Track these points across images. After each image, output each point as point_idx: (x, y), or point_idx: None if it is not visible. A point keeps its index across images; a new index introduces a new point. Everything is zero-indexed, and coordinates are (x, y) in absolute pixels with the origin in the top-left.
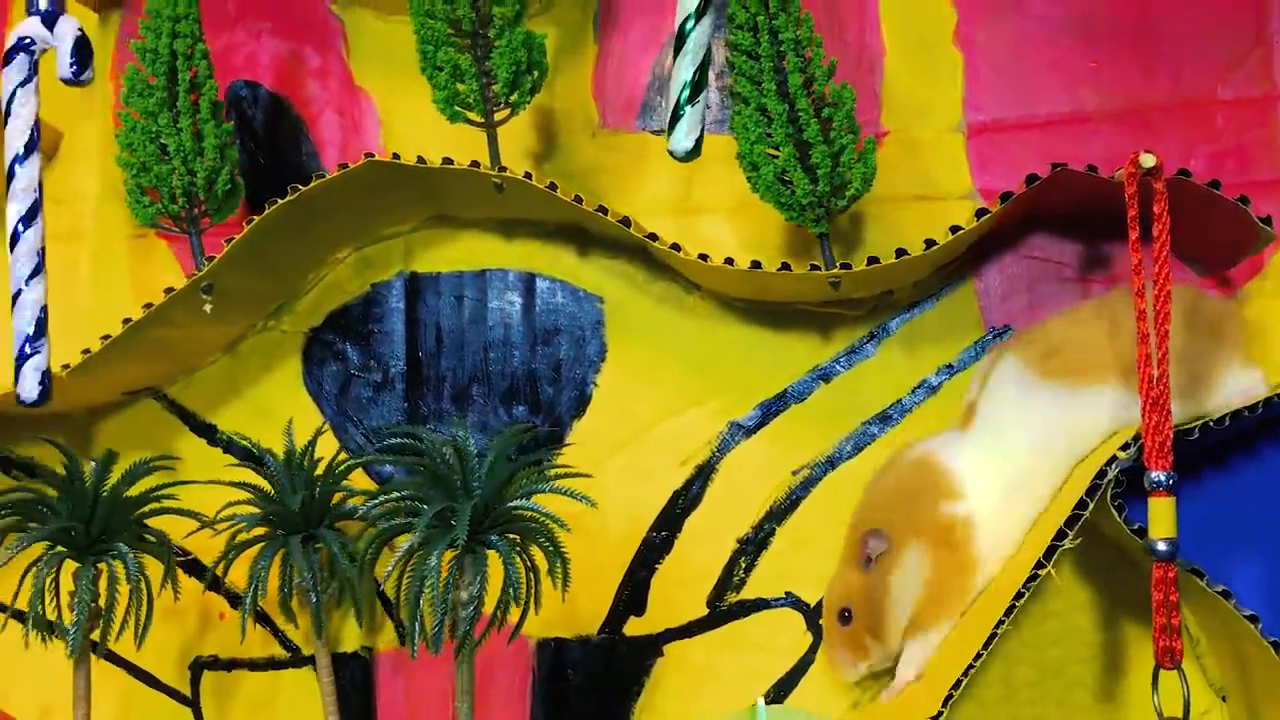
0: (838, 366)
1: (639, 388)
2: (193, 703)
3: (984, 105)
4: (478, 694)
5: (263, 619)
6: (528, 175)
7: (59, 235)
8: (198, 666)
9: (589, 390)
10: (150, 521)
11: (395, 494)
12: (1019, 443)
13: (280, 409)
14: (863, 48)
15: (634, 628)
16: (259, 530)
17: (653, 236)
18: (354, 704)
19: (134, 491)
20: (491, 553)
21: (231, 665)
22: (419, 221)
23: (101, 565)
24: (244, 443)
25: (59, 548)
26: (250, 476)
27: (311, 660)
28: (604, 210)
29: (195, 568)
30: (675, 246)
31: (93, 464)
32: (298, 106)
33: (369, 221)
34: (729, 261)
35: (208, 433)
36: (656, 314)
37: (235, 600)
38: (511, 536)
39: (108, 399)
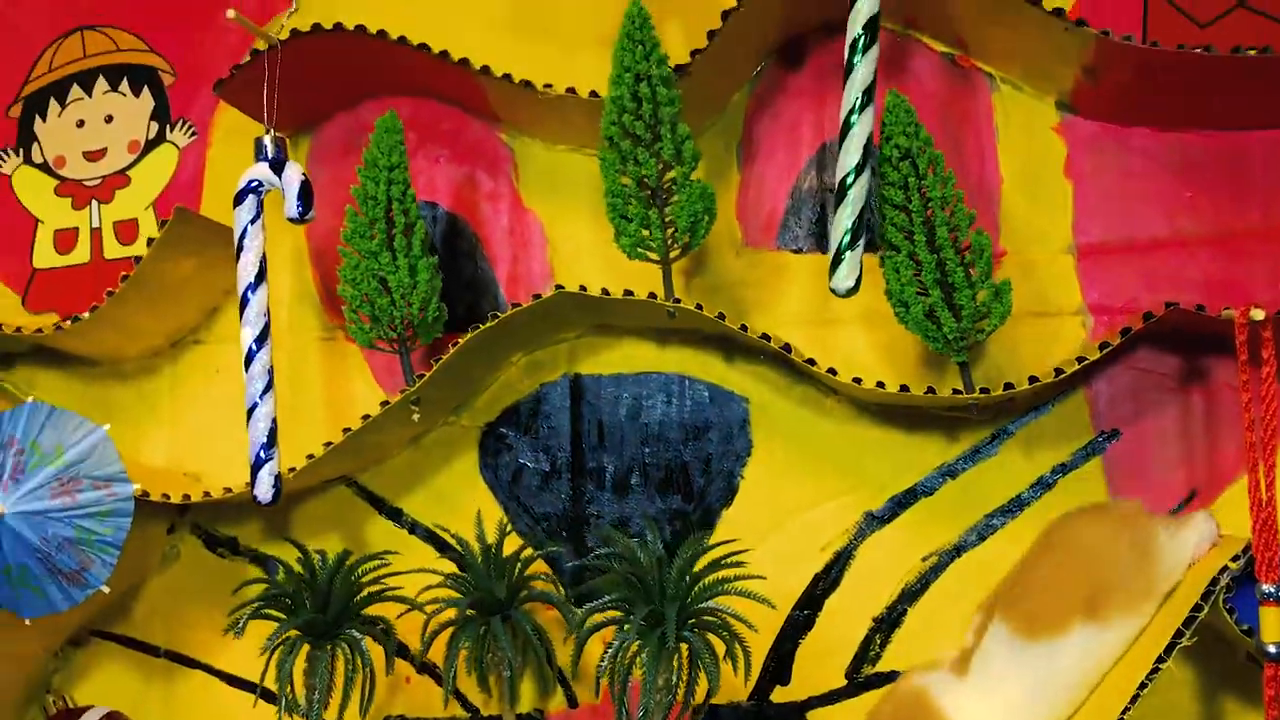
0: (962, 465)
1: (782, 481)
2: None
3: (1091, 230)
4: None
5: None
6: (699, 306)
7: None
8: None
9: (736, 482)
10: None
11: (608, 598)
12: (1014, 695)
13: (460, 495)
14: (983, 178)
15: (779, 695)
16: (452, 611)
17: (787, 348)
18: None
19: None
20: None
21: None
22: (583, 330)
23: (335, 649)
24: (430, 526)
25: (292, 632)
26: (449, 566)
27: None
28: (767, 338)
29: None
30: (810, 361)
31: (317, 555)
32: (473, 225)
33: (541, 332)
34: (857, 380)
35: (395, 516)
36: (798, 415)
37: (421, 667)
38: (703, 633)
39: (306, 486)
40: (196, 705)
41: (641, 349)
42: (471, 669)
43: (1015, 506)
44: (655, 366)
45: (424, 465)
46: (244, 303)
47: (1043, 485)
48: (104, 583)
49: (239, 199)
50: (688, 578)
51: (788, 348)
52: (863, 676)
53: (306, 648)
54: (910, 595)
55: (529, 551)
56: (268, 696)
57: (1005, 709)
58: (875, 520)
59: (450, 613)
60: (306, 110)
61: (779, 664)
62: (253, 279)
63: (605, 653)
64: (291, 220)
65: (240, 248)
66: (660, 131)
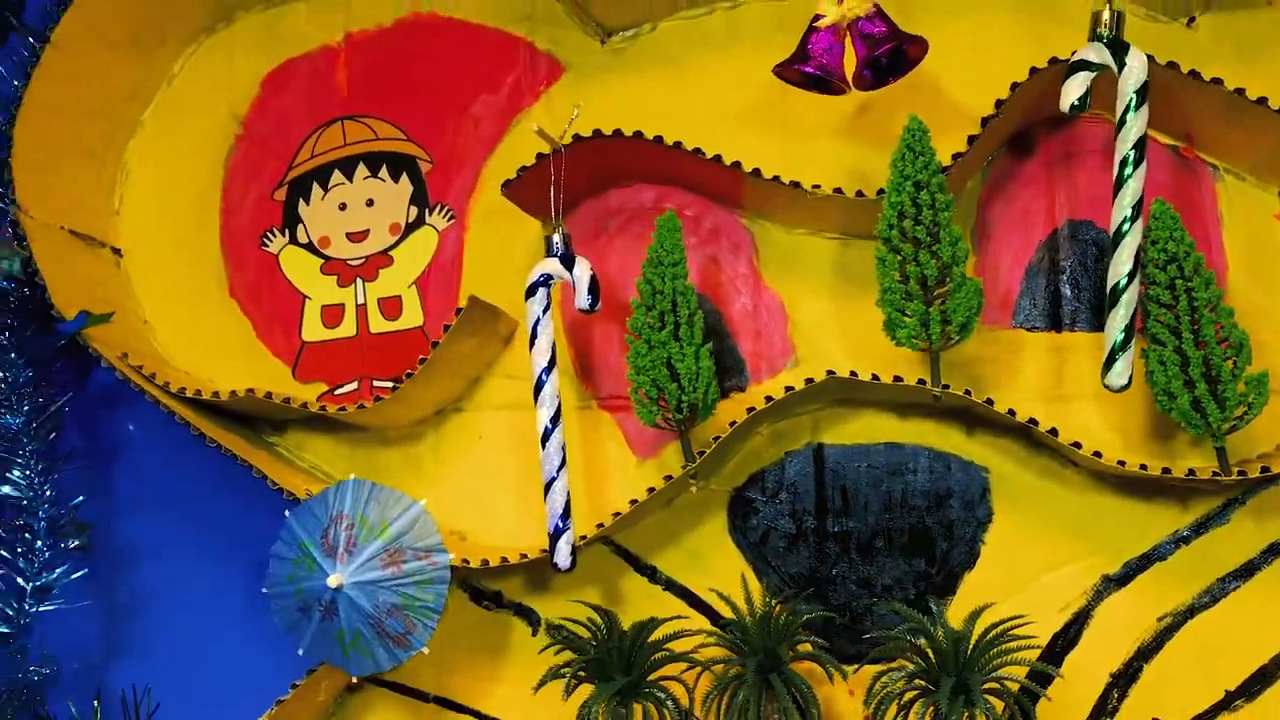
0: (1195, 531)
1: (1023, 546)
2: None
3: None
4: None
5: None
6: (967, 392)
7: (518, 405)
8: None
9: (978, 547)
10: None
11: (909, 669)
12: None
13: (710, 555)
14: (1210, 264)
15: None
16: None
17: (1033, 422)
18: None
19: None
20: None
21: None
22: (825, 403)
23: (637, 705)
24: (681, 583)
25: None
26: (702, 622)
27: None
28: (1034, 422)
29: None
30: (1053, 431)
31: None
32: (718, 304)
33: (787, 405)
34: (1097, 454)
35: (649, 572)
36: (1037, 484)
37: None
38: (993, 700)
39: None
40: None
41: (882, 420)
42: None
43: (1246, 571)
44: (896, 437)
45: (675, 526)
46: (539, 386)
47: (1274, 551)
48: (424, 644)
49: (531, 291)
50: (979, 647)
51: (1034, 422)
52: None
53: (603, 706)
54: (1146, 653)
55: (792, 619)
56: None
57: None
58: (1112, 583)
59: (718, 670)
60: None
61: (1023, 718)
62: (546, 364)
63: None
64: (582, 311)
65: (534, 335)
66: (939, 234)
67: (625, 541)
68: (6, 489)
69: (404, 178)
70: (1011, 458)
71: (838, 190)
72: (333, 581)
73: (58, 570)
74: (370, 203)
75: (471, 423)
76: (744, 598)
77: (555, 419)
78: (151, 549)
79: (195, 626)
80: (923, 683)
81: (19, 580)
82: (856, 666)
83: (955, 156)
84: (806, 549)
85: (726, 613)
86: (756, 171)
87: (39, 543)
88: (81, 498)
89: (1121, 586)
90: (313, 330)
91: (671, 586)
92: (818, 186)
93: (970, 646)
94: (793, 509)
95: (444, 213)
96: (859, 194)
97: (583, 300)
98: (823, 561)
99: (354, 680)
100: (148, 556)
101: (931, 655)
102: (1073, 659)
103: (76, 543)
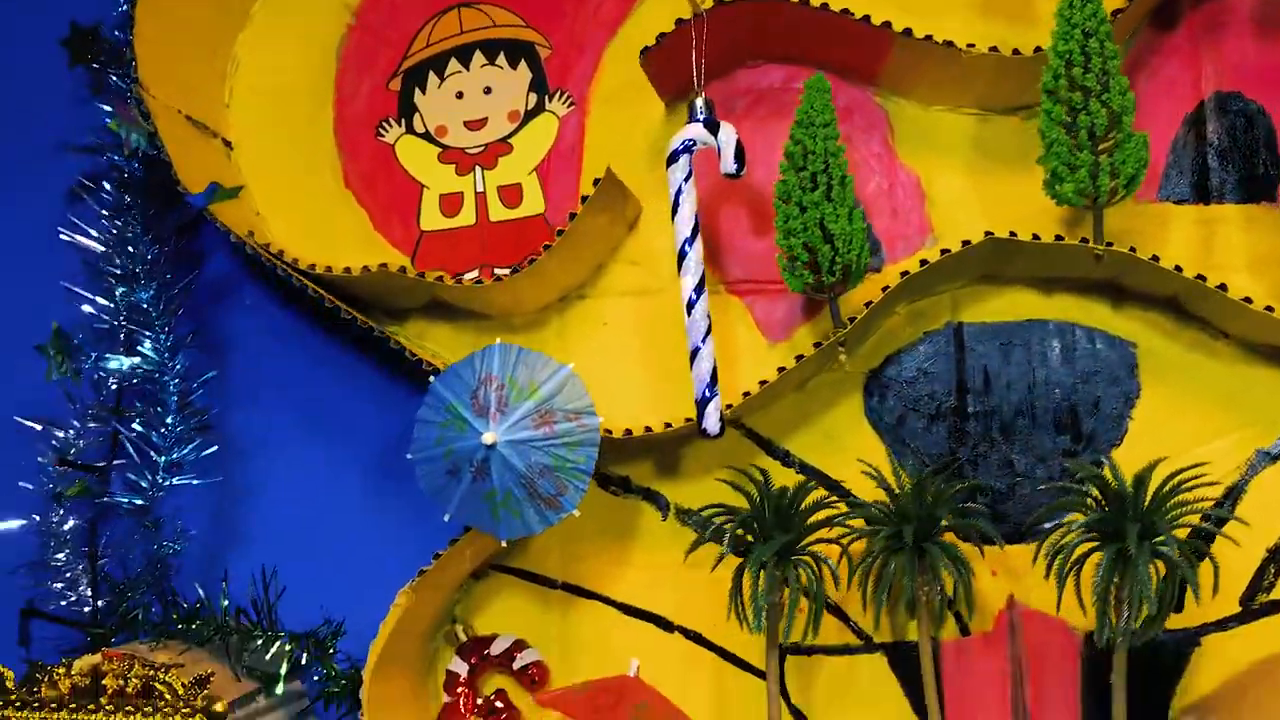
0: None
1: (1173, 421)
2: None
3: None
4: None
5: (838, 613)
6: (1132, 249)
7: (642, 291)
8: (780, 653)
9: (1125, 424)
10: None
11: (1087, 519)
12: None
13: (845, 436)
14: None
15: (1174, 622)
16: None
17: (1201, 278)
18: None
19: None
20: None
21: (810, 651)
22: (966, 280)
23: (800, 571)
24: (814, 466)
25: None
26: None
27: (879, 647)
28: (1223, 287)
29: None
30: (1222, 287)
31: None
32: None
33: (927, 283)
34: (1269, 308)
35: (782, 456)
36: (1186, 358)
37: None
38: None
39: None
40: (593, 632)
41: (1025, 297)
42: (896, 596)
43: None
44: (1039, 314)
45: (810, 408)
46: (682, 255)
47: None
48: (575, 507)
49: (673, 158)
50: (1159, 496)
51: (1202, 278)
52: (1257, 604)
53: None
54: None
55: (955, 485)
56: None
57: None
58: (1267, 457)
59: (864, 543)
60: (685, 81)
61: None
62: (689, 233)
63: (1097, 574)
64: (728, 176)
65: (676, 204)
66: (1109, 83)
67: (757, 425)
68: (138, 361)
69: (522, 64)
70: (1159, 330)
71: (993, 49)
72: (488, 439)
73: (189, 446)
74: (488, 90)
75: (595, 309)
76: (891, 470)
77: (699, 287)
78: (262, 435)
79: (313, 512)
80: (1099, 536)
81: (152, 454)
82: (1003, 544)
83: (1115, 13)
84: (945, 429)
85: (866, 493)
86: (908, 31)
87: (169, 418)
88: (214, 372)
89: (1277, 460)
90: (431, 219)
91: (805, 469)
92: (972, 46)
93: (1149, 495)
94: (931, 390)
95: (564, 99)
96: (1015, 52)
97: (729, 164)
98: (962, 442)
99: (503, 544)
100: (260, 442)
101: (1106, 507)
102: (1228, 534)
103: (201, 421)
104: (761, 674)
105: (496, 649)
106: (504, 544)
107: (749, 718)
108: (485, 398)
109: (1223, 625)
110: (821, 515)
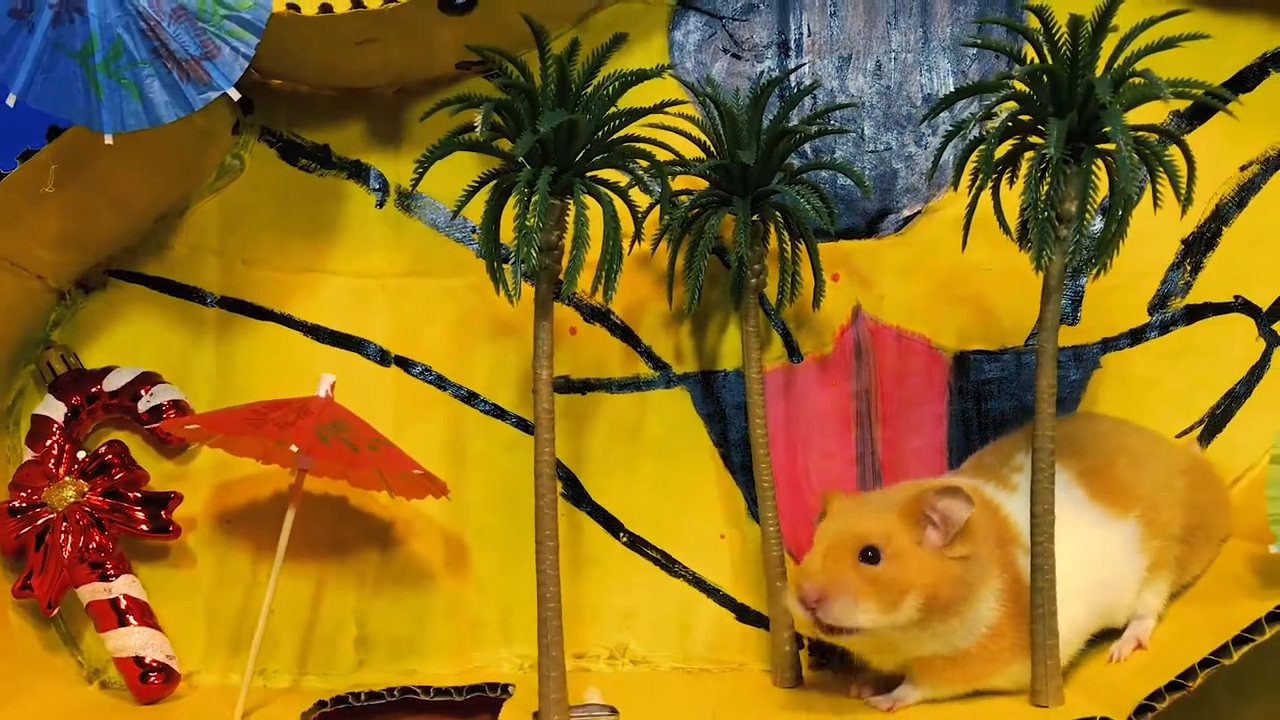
0: None
1: None
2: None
3: None
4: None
5: (627, 335)
6: None
7: None
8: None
9: None
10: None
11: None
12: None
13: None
14: None
15: (1067, 338)
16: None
17: None
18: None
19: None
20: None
21: (585, 388)
22: None
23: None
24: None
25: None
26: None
27: (682, 379)
28: None
29: None
30: None
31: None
32: None
33: None
34: None
35: None
36: None
37: (591, 314)
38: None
39: None
40: (265, 367)
41: None
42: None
43: None
44: None
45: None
46: None
47: None
48: (232, 84)
49: None
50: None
51: None
52: (1169, 311)
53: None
54: (1224, 214)
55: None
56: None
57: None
58: (1179, 117)
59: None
60: None
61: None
62: None
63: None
64: None
65: None
66: None
67: None
68: None
69: None
70: None
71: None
72: None
73: None
74: None
75: None
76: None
77: None
78: None
79: None
80: (1027, 120)
81: None
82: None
83: None
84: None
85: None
86: None
87: None
88: None
89: (1194, 129)
90: None
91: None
92: None
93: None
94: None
95: None
96: None
97: None
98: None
99: (108, 140)
100: None
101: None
102: (1136, 223)
103: None
104: (517, 419)
105: (112, 384)
106: (109, 139)
107: (496, 470)
108: None
109: (1130, 339)
110: (628, 103)
